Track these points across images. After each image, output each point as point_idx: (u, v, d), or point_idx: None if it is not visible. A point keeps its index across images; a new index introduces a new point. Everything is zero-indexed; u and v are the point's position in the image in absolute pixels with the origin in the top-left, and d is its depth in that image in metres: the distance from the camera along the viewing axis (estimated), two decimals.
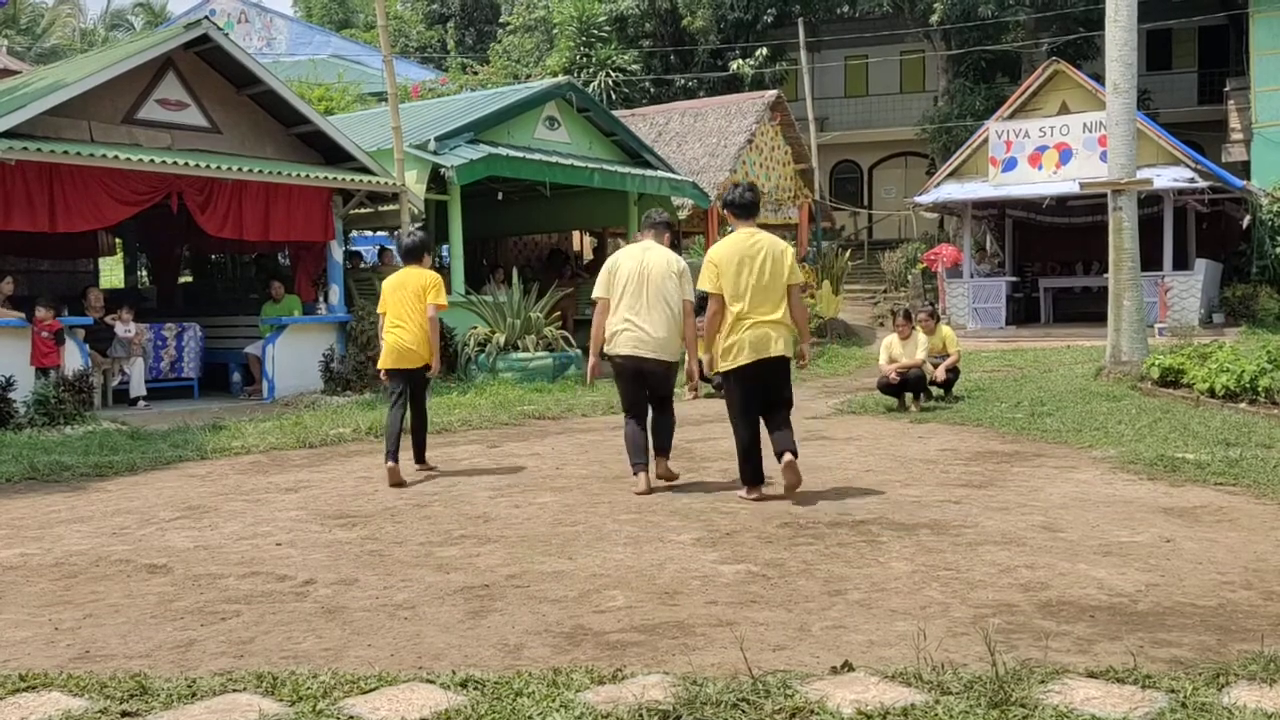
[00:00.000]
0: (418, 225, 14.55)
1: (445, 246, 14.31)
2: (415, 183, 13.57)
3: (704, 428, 9.22)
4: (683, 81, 30.10)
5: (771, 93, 21.38)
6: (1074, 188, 17.63)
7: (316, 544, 5.33)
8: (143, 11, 42.02)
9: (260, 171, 11.71)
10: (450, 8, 41.01)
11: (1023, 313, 22.06)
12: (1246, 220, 21.49)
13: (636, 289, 6.50)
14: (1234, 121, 24.76)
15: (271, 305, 13.17)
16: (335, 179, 12.66)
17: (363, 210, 14.51)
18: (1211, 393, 9.67)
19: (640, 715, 2.98)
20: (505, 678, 3.29)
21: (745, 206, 6.34)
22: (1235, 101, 24.76)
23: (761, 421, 6.26)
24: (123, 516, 6.13)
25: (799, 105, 24.70)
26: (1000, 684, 3.08)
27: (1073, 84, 19.92)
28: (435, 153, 13.75)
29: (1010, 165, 19.97)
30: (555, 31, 30.67)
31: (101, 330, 11.74)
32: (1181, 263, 19.64)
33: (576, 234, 22.54)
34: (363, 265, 17.16)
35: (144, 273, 18.42)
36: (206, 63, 11.98)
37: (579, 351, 14.08)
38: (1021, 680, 3.12)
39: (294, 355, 12.56)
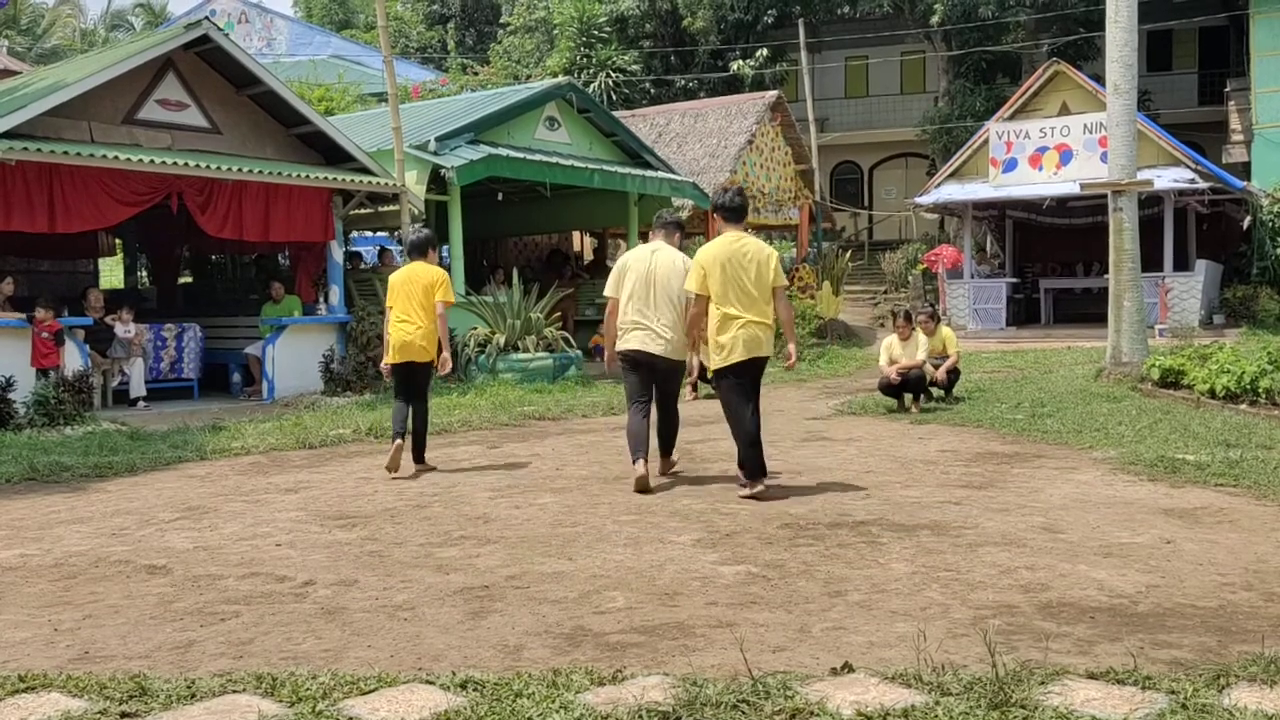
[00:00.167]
0: (419, 225, 14.55)
1: (445, 247, 14.31)
2: (415, 183, 13.57)
3: (704, 429, 9.23)
4: (683, 82, 30.09)
5: (772, 93, 21.38)
6: (1074, 189, 17.62)
7: (316, 545, 5.32)
8: (143, 12, 42.04)
9: (260, 172, 11.71)
10: (450, 8, 41.02)
11: (1023, 314, 22.06)
12: (1247, 221, 21.47)
13: (644, 289, 6.65)
14: (1234, 122, 24.73)
15: (271, 306, 13.16)
16: (335, 179, 12.66)
17: (363, 211, 14.52)
18: (1212, 394, 9.68)
19: (640, 716, 2.98)
20: (505, 679, 3.29)
21: (734, 210, 6.51)
22: (1236, 102, 24.74)
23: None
24: (122, 517, 6.13)
25: (799, 106, 24.68)
26: (1000, 685, 3.08)
27: (1073, 85, 19.91)
28: (435, 153, 13.75)
29: (1011, 166, 19.97)
30: (555, 32, 30.66)
31: (101, 331, 11.73)
32: (1182, 264, 19.64)
33: (577, 234, 22.54)
34: (363, 266, 17.17)
35: (144, 273, 18.42)
36: (207, 63, 11.99)
37: (579, 352, 14.09)
38: (1022, 681, 3.12)
39: (294, 356, 12.56)
